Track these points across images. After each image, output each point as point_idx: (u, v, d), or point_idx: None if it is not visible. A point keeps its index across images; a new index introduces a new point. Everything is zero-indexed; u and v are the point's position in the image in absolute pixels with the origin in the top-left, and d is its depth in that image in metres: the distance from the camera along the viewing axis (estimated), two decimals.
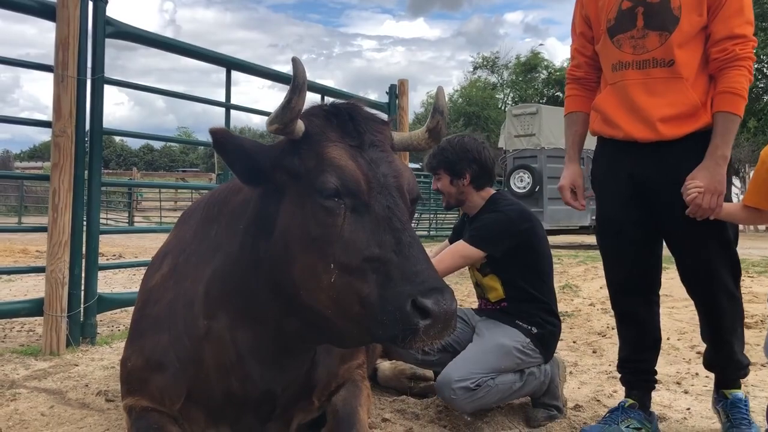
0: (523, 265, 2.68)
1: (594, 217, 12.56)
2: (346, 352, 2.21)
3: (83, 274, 3.93)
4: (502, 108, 39.81)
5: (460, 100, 42.55)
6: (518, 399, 2.77)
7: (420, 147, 1.97)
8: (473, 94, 42.38)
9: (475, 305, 2.96)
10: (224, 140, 1.68)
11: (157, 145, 59.01)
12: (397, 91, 6.83)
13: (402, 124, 6.65)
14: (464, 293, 5.67)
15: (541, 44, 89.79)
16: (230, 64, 5.06)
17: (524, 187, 12.44)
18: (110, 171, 41.46)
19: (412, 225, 1.76)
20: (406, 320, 1.45)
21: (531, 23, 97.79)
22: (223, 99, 5.10)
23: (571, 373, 3.45)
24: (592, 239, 13.41)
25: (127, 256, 9.80)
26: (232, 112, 5.21)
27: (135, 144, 63.10)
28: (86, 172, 3.95)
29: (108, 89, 4.03)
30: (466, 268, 2.80)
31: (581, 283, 7.00)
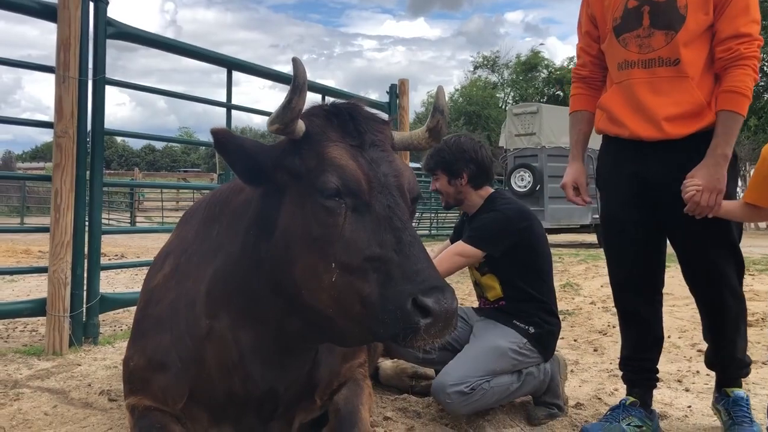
0: (522, 264, 2.68)
1: (595, 216, 12.61)
2: (348, 351, 2.21)
3: (85, 274, 3.94)
4: (503, 107, 39.80)
5: (461, 99, 42.55)
6: (519, 398, 2.78)
7: (420, 146, 1.98)
8: (474, 93, 42.39)
9: (476, 304, 2.97)
10: (225, 140, 1.69)
11: (158, 145, 58.98)
12: (397, 91, 6.83)
13: (402, 124, 6.65)
14: (465, 292, 5.67)
15: (541, 44, 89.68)
16: (231, 65, 5.06)
17: (525, 186, 12.42)
18: (112, 171, 41.46)
19: (413, 224, 1.77)
20: (406, 319, 1.46)
21: (531, 22, 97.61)
22: (224, 99, 5.10)
23: (572, 371, 3.45)
24: (593, 238, 13.47)
25: (129, 256, 9.82)
26: (233, 112, 5.22)
27: (136, 144, 63.13)
28: (88, 172, 3.96)
29: (109, 90, 4.05)
30: (467, 267, 2.81)
31: (582, 282, 7.00)
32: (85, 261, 3.95)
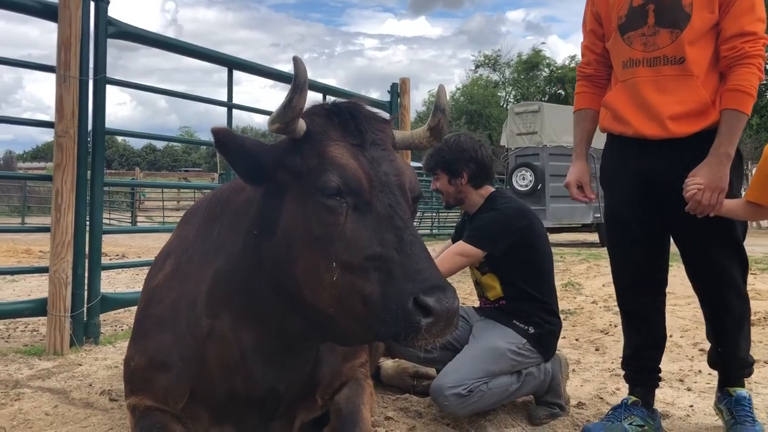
0: (522, 264, 2.67)
1: (596, 215, 12.60)
2: (349, 351, 2.21)
3: (86, 274, 3.94)
4: (504, 106, 39.81)
5: (462, 98, 42.57)
6: (521, 398, 2.77)
7: (421, 145, 1.98)
8: (475, 92, 42.41)
9: (477, 304, 2.97)
10: (226, 140, 1.68)
11: (159, 144, 59.12)
12: (398, 90, 6.83)
13: (404, 123, 6.65)
14: (467, 292, 5.67)
15: (543, 43, 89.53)
16: (232, 64, 5.06)
17: (527, 185, 12.40)
18: (113, 171, 41.47)
19: (415, 223, 1.77)
20: (408, 318, 1.46)
21: (533, 21, 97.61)
22: (225, 99, 5.10)
23: (573, 370, 3.45)
24: (594, 237, 13.46)
25: (130, 256, 9.82)
26: (234, 111, 5.22)
27: (137, 144, 63.21)
28: (89, 172, 3.96)
29: (110, 89, 4.05)
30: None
31: (584, 281, 7.00)
32: (86, 261, 3.95)
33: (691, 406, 2.90)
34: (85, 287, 3.92)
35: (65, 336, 3.72)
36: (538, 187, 12.31)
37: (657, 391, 2.64)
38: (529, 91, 42.54)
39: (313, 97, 1.75)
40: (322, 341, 1.95)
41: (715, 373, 2.62)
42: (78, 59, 3.73)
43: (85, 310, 3.90)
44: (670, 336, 3.94)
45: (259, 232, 1.78)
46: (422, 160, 3.02)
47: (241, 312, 1.86)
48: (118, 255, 10.04)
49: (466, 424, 2.57)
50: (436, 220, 17.75)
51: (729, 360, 2.49)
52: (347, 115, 1.72)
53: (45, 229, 3.96)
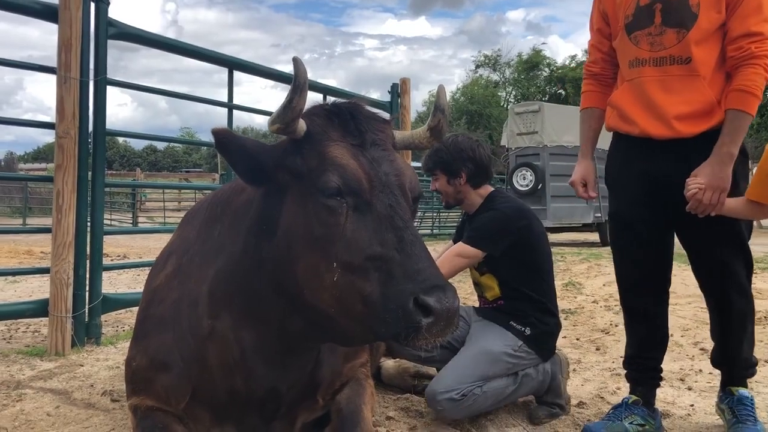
0: (521, 264, 2.67)
1: (597, 215, 12.57)
2: (350, 351, 2.21)
3: (88, 275, 3.94)
4: (505, 106, 39.80)
5: (462, 98, 42.57)
6: (521, 398, 2.77)
7: (422, 145, 1.98)
8: (475, 92, 42.41)
9: (477, 304, 2.97)
10: (226, 140, 1.69)
11: (160, 145, 59.04)
12: (399, 90, 6.83)
13: (404, 123, 6.65)
14: (467, 291, 5.66)
15: (543, 43, 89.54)
16: (232, 65, 5.06)
17: (527, 185, 12.40)
18: (114, 172, 41.48)
19: (415, 223, 1.77)
20: (408, 318, 1.46)
21: (533, 21, 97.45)
22: (225, 99, 5.10)
23: (574, 370, 3.45)
24: (595, 237, 13.45)
25: (132, 257, 9.82)
26: (235, 112, 5.22)
27: (138, 145, 63.14)
28: (90, 173, 3.96)
29: (111, 90, 4.04)
30: None
31: (584, 281, 6.99)
32: (87, 261, 3.95)
33: (692, 405, 2.90)
34: (87, 288, 3.93)
35: (67, 337, 3.73)
36: (539, 187, 12.31)
37: (658, 391, 2.65)
38: (530, 91, 42.55)
39: (313, 98, 1.76)
40: (323, 341, 1.95)
41: (717, 372, 2.62)
42: (78, 60, 3.74)
43: (86, 311, 3.90)
44: (671, 335, 3.93)
45: (260, 232, 1.78)
46: (421, 161, 3.02)
47: (242, 312, 1.86)
48: (119, 256, 10.04)
49: (467, 423, 2.58)
50: (437, 220, 17.74)
51: (732, 360, 2.49)
52: (347, 115, 1.72)
53: (46, 230, 3.97)
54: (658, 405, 2.66)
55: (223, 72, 5.05)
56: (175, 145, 54.36)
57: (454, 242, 2.91)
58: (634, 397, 2.53)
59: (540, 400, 2.72)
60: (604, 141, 2.62)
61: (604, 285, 6.46)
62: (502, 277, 2.71)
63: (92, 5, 3.86)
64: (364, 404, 2.14)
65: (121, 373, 2.62)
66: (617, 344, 4.07)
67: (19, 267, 7.62)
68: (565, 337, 4.23)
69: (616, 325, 4.65)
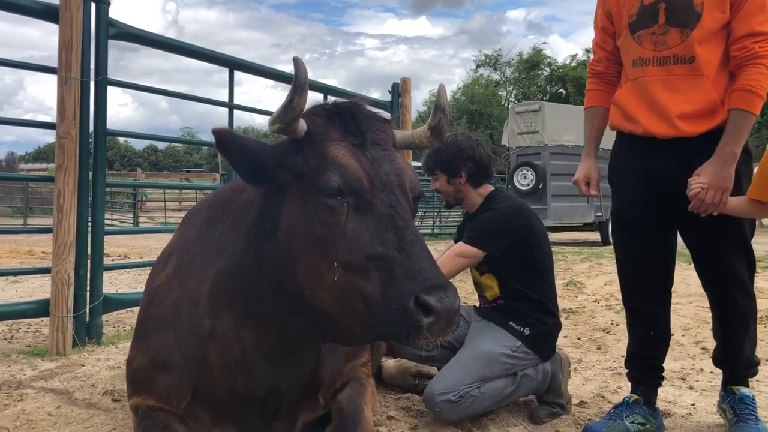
0: (520, 263, 2.67)
1: (598, 215, 12.56)
2: (351, 351, 2.21)
3: (89, 275, 3.94)
4: (505, 105, 39.80)
5: (463, 97, 42.56)
6: (522, 397, 2.77)
7: (422, 145, 1.98)
8: (476, 91, 42.39)
9: (478, 303, 2.97)
10: (227, 140, 1.69)
11: (161, 145, 59.14)
12: (399, 90, 6.84)
13: (404, 123, 6.65)
14: (468, 291, 5.66)
15: (544, 42, 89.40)
16: (233, 65, 5.06)
17: (528, 185, 12.40)
18: (114, 172, 41.46)
19: (416, 223, 1.77)
20: (409, 318, 1.46)
21: (534, 20, 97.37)
22: (226, 99, 5.10)
23: (575, 369, 3.45)
24: (596, 236, 13.44)
25: (132, 257, 9.82)
26: (235, 112, 5.22)
27: (139, 145, 63.22)
28: (90, 173, 3.96)
29: (111, 90, 4.06)
30: None
31: (585, 280, 6.98)
32: (88, 261, 3.95)
33: (693, 404, 2.90)
34: (88, 288, 3.93)
35: (68, 337, 3.73)
36: (540, 187, 12.31)
37: (659, 390, 2.64)
38: (530, 90, 42.55)
39: (313, 98, 1.76)
40: (324, 341, 1.95)
41: (718, 371, 2.62)
42: (79, 60, 3.74)
43: (87, 311, 3.90)
44: (672, 335, 3.94)
45: (260, 232, 1.78)
46: (422, 160, 3.03)
47: (242, 312, 1.86)
48: (120, 256, 10.04)
49: (468, 423, 2.57)
50: (438, 219, 17.75)
51: (734, 359, 2.49)
52: (348, 115, 1.72)
53: (47, 230, 3.97)
54: (660, 404, 2.66)
55: (224, 72, 5.05)
56: (176, 145, 54.36)
57: (456, 242, 2.91)
58: (636, 397, 2.53)
59: (541, 399, 2.71)
60: (606, 141, 2.62)
61: (605, 284, 6.46)
62: (502, 277, 2.71)
63: (93, 5, 3.86)
64: (365, 404, 2.14)
65: (122, 373, 2.62)
66: (618, 343, 4.07)
67: (20, 267, 7.62)
68: (566, 336, 4.23)
69: (617, 325, 4.65)
